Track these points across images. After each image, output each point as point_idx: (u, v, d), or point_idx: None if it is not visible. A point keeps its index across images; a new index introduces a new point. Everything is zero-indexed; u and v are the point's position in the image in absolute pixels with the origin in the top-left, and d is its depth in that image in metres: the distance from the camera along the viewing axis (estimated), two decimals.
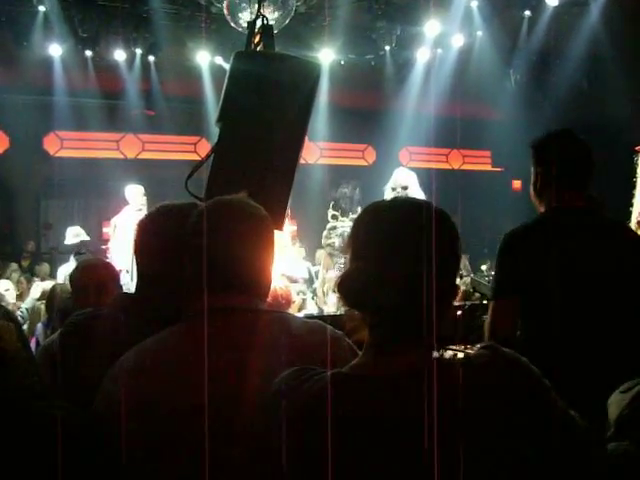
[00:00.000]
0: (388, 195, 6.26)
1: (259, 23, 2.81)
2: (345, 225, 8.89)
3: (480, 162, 13.28)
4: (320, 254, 9.13)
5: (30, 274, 9.87)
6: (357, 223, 1.37)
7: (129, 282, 6.01)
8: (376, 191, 7.06)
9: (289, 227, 8.48)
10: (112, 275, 3.13)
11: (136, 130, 11.35)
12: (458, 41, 10.14)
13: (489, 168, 12.92)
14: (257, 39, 2.78)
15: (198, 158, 2.57)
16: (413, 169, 6.58)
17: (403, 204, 1.39)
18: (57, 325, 3.99)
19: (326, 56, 9.83)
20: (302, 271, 7.87)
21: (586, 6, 8.96)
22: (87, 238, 7.87)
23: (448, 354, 2.40)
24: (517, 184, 11.52)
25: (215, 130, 2.58)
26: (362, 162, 12.82)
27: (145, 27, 9.26)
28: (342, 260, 9.04)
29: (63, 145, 11.25)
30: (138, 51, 9.72)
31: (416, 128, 11.41)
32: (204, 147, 10.67)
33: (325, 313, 6.38)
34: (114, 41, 9.36)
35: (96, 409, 1.58)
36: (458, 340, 2.52)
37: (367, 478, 1.22)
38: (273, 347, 1.57)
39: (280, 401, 1.32)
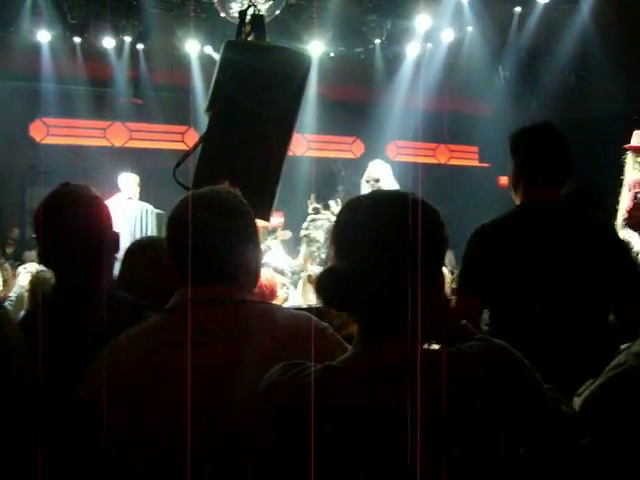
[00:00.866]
0: (364, 188, 6.27)
1: (250, 12, 2.80)
2: (324, 218, 8.91)
3: (467, 157, 13.29)
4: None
5: (14, 260, 9.80)
6: (337, 219, 1.38)
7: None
8: (361, 186, 7.07)
9: (276, 219, 8.47)
10: None
11: (124, 118, 11.27)
12: (448, 36, 10.15)
13: (476, 164, 12.93)
14: (248, 29, 2.77)
15: (186, 148, 2.56)
16: (400, 163, 6.59)
17: (382, 197, 1.39)
18: None
19: (316, 48, 9.79)
20: (285, 263, 7.87)
21: (576, 4, 8.98)
22: None
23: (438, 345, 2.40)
24: (504, 180, 11.51)
25: (204, 120, 2.58)
26: (350, 155, 12.79)
27: (134, 15, 9.20)
28: (322, 254, 9.06)
29: (49, 132, 11.16)
30: (127, 39, 9.66)
31: (404, 122, 11.40)
32: (192, 137, 10.60)
33: (313, 305, 6.37)
34: (103, 28, 9.28)
35: (82, 400, 1.58)
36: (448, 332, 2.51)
37: (361, 470, 1.22)
38: (258, 338, 1.57)
39: (271, 396, 1.32)
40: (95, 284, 1.98)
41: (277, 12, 4.62)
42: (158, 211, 7.44)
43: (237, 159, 2.44)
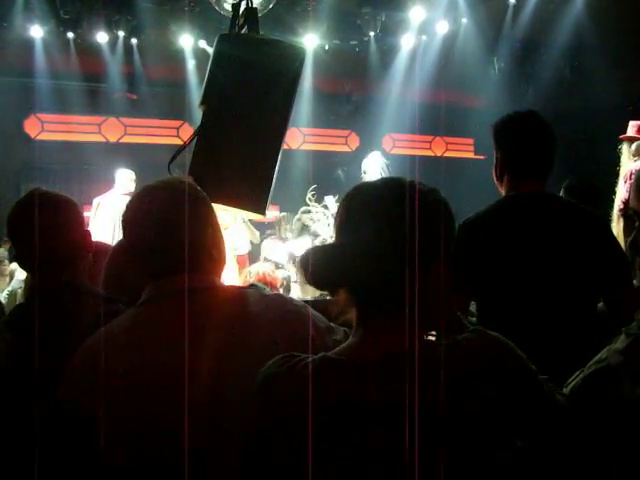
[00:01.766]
0: (363, 179, 6.26)
1: (243, 6, 2.79)
2: (318, 210, 8.90)
3: (463, 150, 13.28)
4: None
5: (9, 256, 9.76)
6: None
7: None
8: (359, 178, 7.06)
9: (272, 213, 8.46)
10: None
11: (118, 113, 11.24)
12: (443, 28, 10.13)
13: (471, 156, 12.93)
14: (241, 22, 2.76)
15: (181, 142, 2.54)
16: (396, 156, 6.59)
17: (385, 183, 1.38)
18: None
19: (310, 41, 9.78)
20: (281, 255, 7.87)
21: None
22: None
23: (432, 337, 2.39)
24: None
25: (198, 114, 2.57)
26: (345, 148, 12.78)
27: (128, 9, 9.16)
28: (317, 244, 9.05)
29: (44, 128, 11.12)
30: (121, 33, 9.61)
31: (399, 115, 11.39)
32: (187, 131, 10.58)
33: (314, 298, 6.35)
34: (96, 23, 9.25)
35: (62, 396, 1.58)
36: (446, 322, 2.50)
37: (359, 462, 1.22)
38: (234, 323, 1.59)
39: (269, 388, 1.32)
40: (68, 283, 2.00)
41: (271, 5, 4.60)
42: None
43: (231, 153, 2.43)
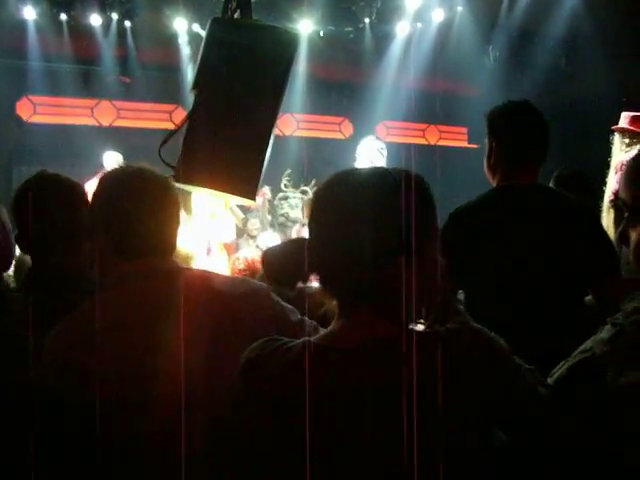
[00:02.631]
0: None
1: None
2: (297, 196, 8.89)
3: (456, 138, 13.27)
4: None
5: None
6: (315, 193, 1.37)
7: None
8: (352, 164, 7.04)
9: (259, 198, 8.46)
10: None
11: (111, 97, 11.17)
12: (438, 16, 10.10)
13: (465, 145, 12.92)
14: (234, 6, 2.74)
15: (173, 126, 2.53)
16: (390, 144, 6.57)
17: (362, 171, 1.38)
18: None
19: (305, 27, 9.74)
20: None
21: None
22: None
23: (420, 326, 2.39)
24: None
25: (191, 98, 2.55)
26: (339, 135, 12.74)
27: None
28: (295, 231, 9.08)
29: (36, 110, 11.05)
30: (114, 16, 9.56)
31: (393, 103, 11.35)
32: (180, 115, 10.51)
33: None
34: (89, 5, 9.19)
35: (35, 379, 1.59)
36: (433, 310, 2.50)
37: (339, 448, 1.22)
38: (198, 302, 1.65)
39: (250, 372, 1.32)
40: (69, 265, 2.01)
41: None
42: None
43: (223, 138, 2.42)
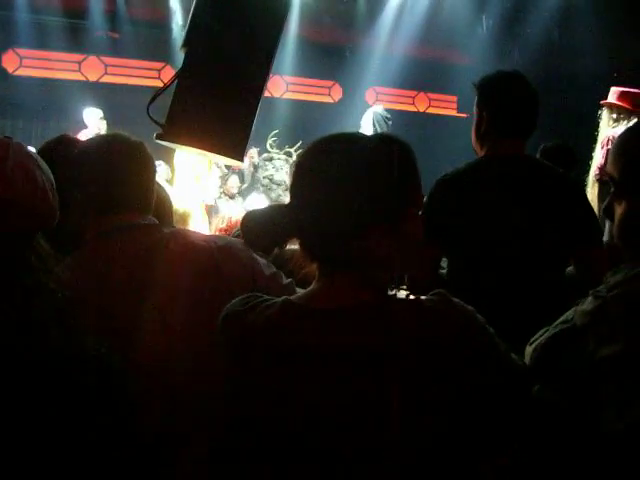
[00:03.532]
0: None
1: None
2: (281, 157, 8.86)
3: (446, 107, 13.23)
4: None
5: None
6: (293, 163, 1.38)
7: None
8: (340, 129, 7.00)
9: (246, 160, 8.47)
10: None
11: (99, 52, 11.01)
12: None
13: (454, 113, 12.89)
14: None
15: (162, 84, 2.51)
16: None
17: (340, 137, 1.38)
18: None
19: None
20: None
21: None
22: None
23: (401, 293, 2.41)
24: None
25: (180, 57, 2.53)
26: (328, 99, 12.67)
27: None
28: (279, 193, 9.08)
29: (22, 63, 10.87)
30: None
31: (384, 68, 11.29)
32: (169, 73, 10.37)
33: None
34: None
35: None
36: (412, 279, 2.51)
37: (313, 403, 1.24)
38: (177, 252, 1.76)
39: (228, 326, 1.34)
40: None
41: None
42: None
43: (212, 97, 2.40)
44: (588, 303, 1.42)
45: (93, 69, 11.25)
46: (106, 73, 11.32)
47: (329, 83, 12.63)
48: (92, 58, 11.18)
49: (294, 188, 1.34)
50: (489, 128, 2.57)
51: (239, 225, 1.36)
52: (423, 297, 1.30)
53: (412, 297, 1.33)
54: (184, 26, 2.61)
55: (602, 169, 4.38)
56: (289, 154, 9.43)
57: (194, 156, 4.45)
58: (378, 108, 6.50)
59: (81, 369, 1.26)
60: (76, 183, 1.80)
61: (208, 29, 2.44)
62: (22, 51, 10.79)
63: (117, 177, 1.82)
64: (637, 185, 1.39)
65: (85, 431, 1.24)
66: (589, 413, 1.34)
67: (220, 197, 8.24)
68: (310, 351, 1.25)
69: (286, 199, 1.38)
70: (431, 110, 13.28)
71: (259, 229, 1.32)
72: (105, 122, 7.75)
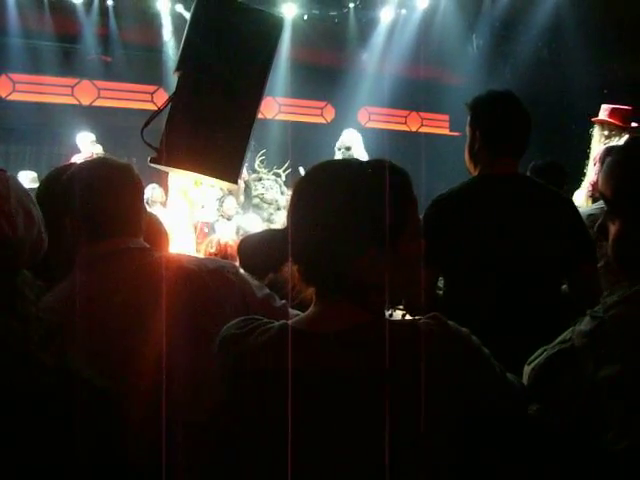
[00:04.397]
0: (336, 155, 6.27)
1: None
2: (270, 177, 8.90)
3: (438, 126, 13.29)
4: None
5: None
6: (295, 187, 1.39)
7: None
8: (333, 150, 7.04)
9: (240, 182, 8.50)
10: None
11: (92, 76, 11.03)
12: (422, 3, 10.11)
13: (447, 132, 12.95)
14: None
15: (155, 108, 2.52)
16: (371, 129, 6.59)
17: (337, 164, 1.42)
18: None
19: (289, 10, 9.71)
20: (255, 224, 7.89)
21: None
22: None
23: (397, 314, 2.41)
24: None
25: (174, 80, 2.54)
26: (321, 120, 12.72)
27: None
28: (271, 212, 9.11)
29: (15, 88, 10.90)
30: None
31: (376, 88, 11.36)
32: (162, 97, 10.44)
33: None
34: None
35: None
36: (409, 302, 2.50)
37: (315, 430, 1.24)
38: (168, 278, 1.73)
39: (225, 350, 1.34)
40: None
41: None
42: None
43: (205, 120, 2.41)
44: (585, 323, 1.42)
45: (86, 93, 11.28)
46: (99, 97, 11.35)
47: (321, 104, 12.69)
48: (85, 82, 11.21)
49: (291, 213, 1.35)
50: (482, 147, 2.58)
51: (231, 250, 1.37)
52: (419, 319, 1.30)
53: (408, 317, 1.32)
54: (177, 49, 2.62)
55: (595, 185, 4.40)
56: (278, 175, 9.47)
57: (188, 179, 4.47)
58: (351, 130, 6.60)
59: (69, 394, 1.25)
60: (65, 211, 1.81)
61: (201, 53, 2.45)
62: (15, 76, 10.82)
63: (104, 203, 1.82)
64: (630, 204, 1.39)
65: (73, 457, 1.23)
66: (588, 434, 1.34)
67: (218, 220, 8.25)
68: (308, 375, 1.24)
69: (277, 218, 1.39)
70: (423, 129, 13.34)
71: (256, 253, 1.33)
72: (100, 146, 7.78)
